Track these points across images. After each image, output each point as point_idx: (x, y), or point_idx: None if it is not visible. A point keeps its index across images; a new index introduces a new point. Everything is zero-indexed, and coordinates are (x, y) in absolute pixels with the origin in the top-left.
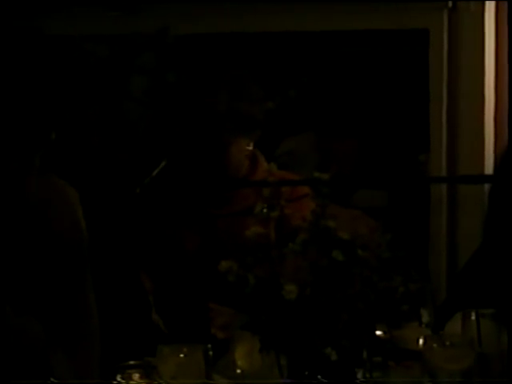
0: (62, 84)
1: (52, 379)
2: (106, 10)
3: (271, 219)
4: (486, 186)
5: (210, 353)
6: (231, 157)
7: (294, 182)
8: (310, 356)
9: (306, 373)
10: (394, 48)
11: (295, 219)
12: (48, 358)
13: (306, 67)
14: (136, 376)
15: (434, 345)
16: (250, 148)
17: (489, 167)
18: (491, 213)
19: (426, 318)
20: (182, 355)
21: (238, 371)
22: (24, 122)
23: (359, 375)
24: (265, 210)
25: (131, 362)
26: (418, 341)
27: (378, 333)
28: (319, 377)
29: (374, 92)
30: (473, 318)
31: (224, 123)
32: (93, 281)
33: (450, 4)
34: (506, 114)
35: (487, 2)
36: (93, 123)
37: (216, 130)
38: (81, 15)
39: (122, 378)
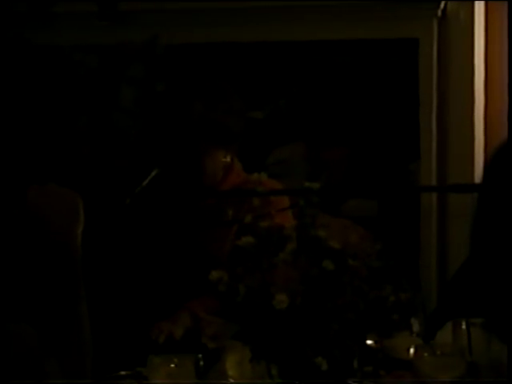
0: (52, 94)
1: None
2: (95, 20)
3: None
4: (476, 195)
5: (201, 363)
6: (206, 167)
7: (285, 191)
8: (300, 365)
9: (297, 382)
10: (383, 57)
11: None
12: (42, 365)
13: (296, 77)
14: None
15: (425, 354)
16: (228, 160)
17: (479, 176)
18: (479, 221)
19: (416, 327)
20: (172, 365)
21: (229, 381)
22: (13, 132)
23: None
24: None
25: (122, 372)
26: (408, 350)
27: (369, 342)
28: None
29: (364, 101)
30: (463, 327)
31: (198, 132)
32: (85, 291)
33: (440, 13)
34: (496, 123)
35: (476, 11)
36: (83, 133)
37: (191, 138)
38: (70, 25)
39: None
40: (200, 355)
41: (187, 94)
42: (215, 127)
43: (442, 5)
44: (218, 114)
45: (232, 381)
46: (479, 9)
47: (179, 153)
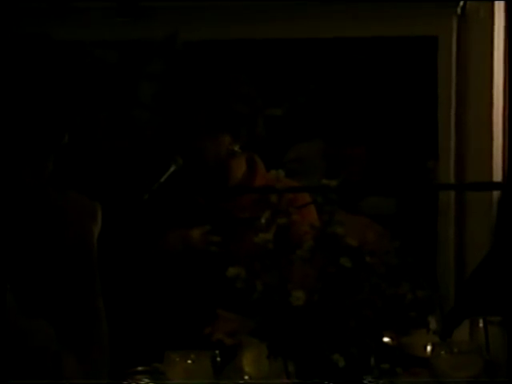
0: (71, 90)
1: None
2: (115, 16)
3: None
4: (495, 193)
5: (218, 359)
6: (208, 149)
7: (303, 188)
8: (317, 362)
9: (314, 379)
10: (402, 55)
11: (302, 226)
12: (60, 360)
13: (315, 74)
14: (144, 381)
15: (442, 352)
16: (235, 149)
17: (497, 174)
18: (501, 220)
19: (433, 324)
20: (189, 361)
21: (246, 377)
22: (34, 127)
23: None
24: (263, 220)
25: (139, 368)
26: (425, 348)
27: (386, 339)
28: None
29: (383, 99)
30: (481, 325)
31: (200, 113)
32: (101, 286)
33: (459, 11)
34: None
35: (496, 9)
36: (102, 128)
37: (193, 119)
38: (90, 21)
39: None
40: (217, 351)
41: (193, 82)
42: (217, 108)
43: (462, 3)
44: (221, 95)
45: (248, 377)
46: (499, 7)
47: (184, 136)
